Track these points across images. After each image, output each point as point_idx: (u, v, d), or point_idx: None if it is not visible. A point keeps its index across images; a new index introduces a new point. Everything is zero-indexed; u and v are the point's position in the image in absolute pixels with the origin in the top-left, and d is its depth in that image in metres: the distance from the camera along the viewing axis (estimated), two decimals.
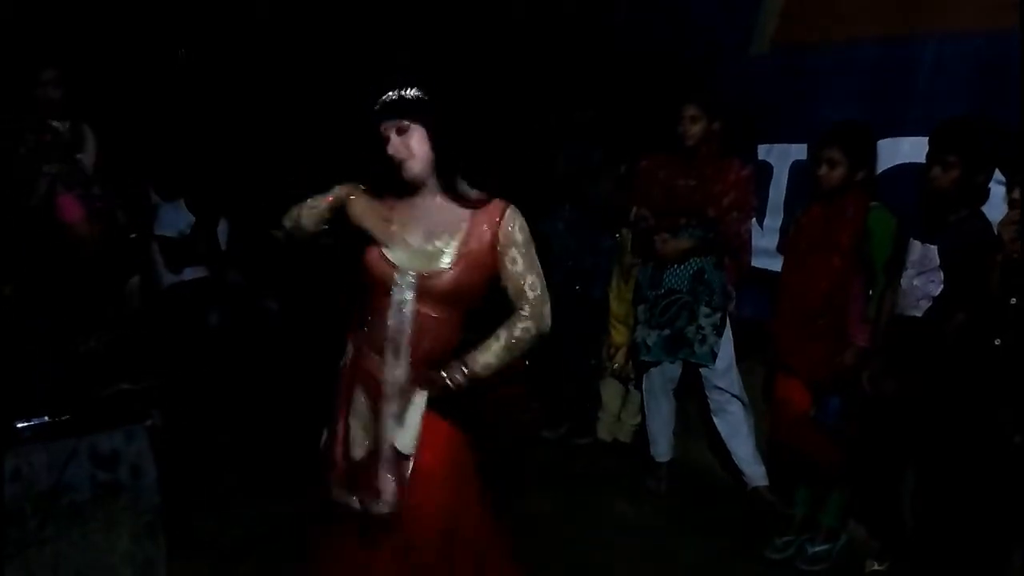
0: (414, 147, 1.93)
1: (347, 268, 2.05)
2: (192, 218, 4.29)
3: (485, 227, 1.95)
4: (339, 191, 2.02)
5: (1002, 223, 2.43)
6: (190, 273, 4.31)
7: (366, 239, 1.98)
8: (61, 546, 2.21)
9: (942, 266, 2.51)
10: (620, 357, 3.94)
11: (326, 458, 2.04)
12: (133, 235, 3.21)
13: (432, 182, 1.97)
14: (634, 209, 3.56)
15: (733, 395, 3.39)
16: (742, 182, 3.24)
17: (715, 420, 3.45)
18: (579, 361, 4.07)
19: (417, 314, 1.93)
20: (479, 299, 2.02)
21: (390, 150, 1.92)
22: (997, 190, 2.54)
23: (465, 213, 1.97)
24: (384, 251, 1.95)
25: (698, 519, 3.31)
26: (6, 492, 2.14)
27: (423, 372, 1.94)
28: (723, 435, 3.44)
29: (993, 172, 2.53)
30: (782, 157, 3.35)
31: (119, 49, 4.37)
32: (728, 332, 3.38)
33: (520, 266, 1.95)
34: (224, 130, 4.85)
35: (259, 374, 4.22)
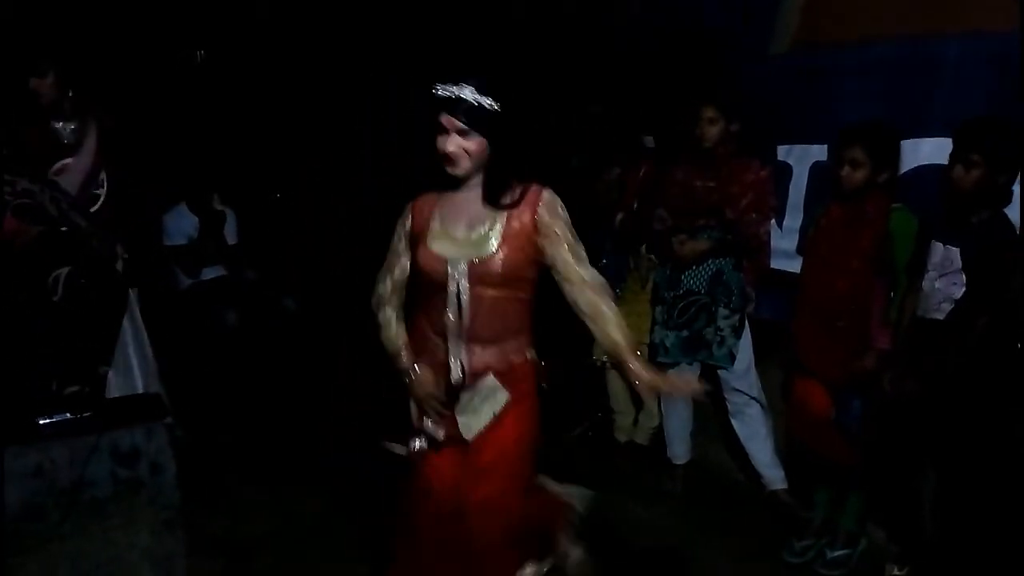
0: (471, 150, 1.99)
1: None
2: (197, 221, 4.31)
3: (525, 208, 2.04)
4: (401, 242, 2.17)
5: None
6: (208, 273, 4.34)
7: (415, 242, 2.12)
8: (82, 542, 2.24)
9: (964, 268, 2.48)
10: None
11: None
12: (64, 228, 3.14)
13: (476, 180, 2.05)
14: (619, 215, 3.57)
15: (752, 397, 3.37)
16: (760, 183, 3.22)
17: (733, 422, 3.43)
18: (591, 362, 4.04)
19: (477, 300, 2.03)
20: (533, 280, 2.11)
21: (446, 145, 1.98)
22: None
23: (509, 200, 2.06)
24: (431, 248, 2.06)
25: (715, 522, 3.29)
26: (28, 488, 2.17)
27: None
28: (741, 438, 3.42)
29: (1017, 174, 2.50)
30: (802, 158, 3.33)
31: (122, 48, 4.39)
32: (747, 334, 3.36)
33: (564, 249, 2.04)
34: (225, 126, 4.88)
35: (275, 370, 4.25)
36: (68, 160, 3.20)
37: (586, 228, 3.80)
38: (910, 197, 2.81)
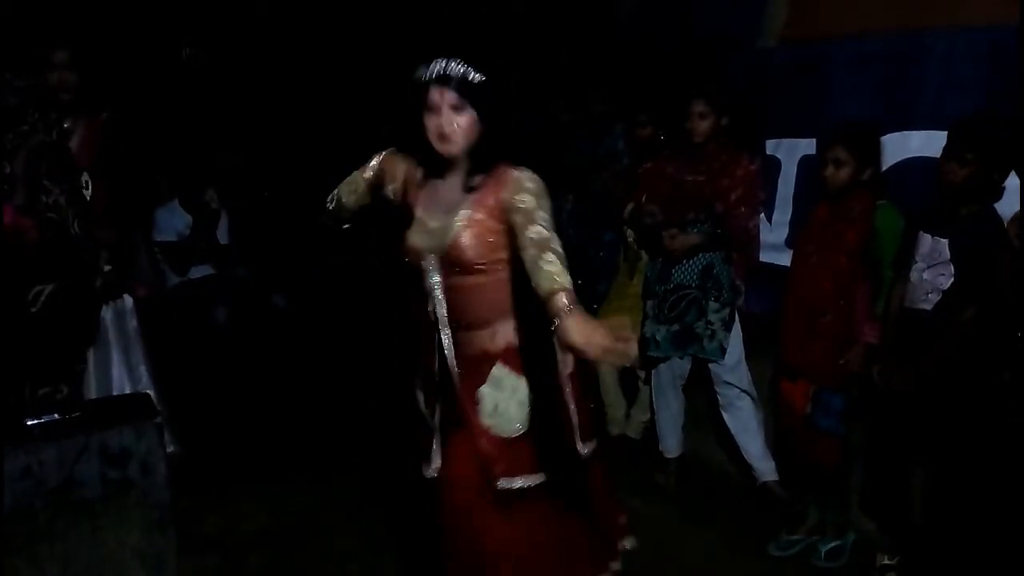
0: (463, 128, 1.93)
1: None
2: (189, 218, 4.28)
3: (492, 190, 1.97)
4: (376, 165, 2.12)
5: (1012, 219, 2.42)
6: (196, 272, 4.31)
7: (403, 223, 2.07)
8: (71, 542, 2.22)
9: (952, 260, 2.50)
10: None
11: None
12: (66, 246, 3.10)
13: (462, 165, 2.00)
14: (630, 206, 3.57)
15: (742, 390, 3.38)
16: (750, 177, 3.22)
17: (724, 415, 3.44)
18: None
19: (454, 289, 2.03)
20: (508, 259, 2.01)
21: (437, 121, 1.92)
22: (1013, 183, 2.52)
23: (478, 183, 1.99)
24: (410, 240, 2.05)
25: (707, 514, 3.30)
26: (16, 489, 2.15)
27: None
28: (732, 430, 3.43)
29: (1009, 171, 2.50)
30: (790, 152, 3.34)
31: (120, 45, 4.36)
32: (737, 327, 3.36)
33: (520, 216, 1.89)
34: (221, 124, 4.86)
35: (267, 369, 4.24)
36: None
37: (589, 218, 3.86)
38: (898, 190, 2.82)
